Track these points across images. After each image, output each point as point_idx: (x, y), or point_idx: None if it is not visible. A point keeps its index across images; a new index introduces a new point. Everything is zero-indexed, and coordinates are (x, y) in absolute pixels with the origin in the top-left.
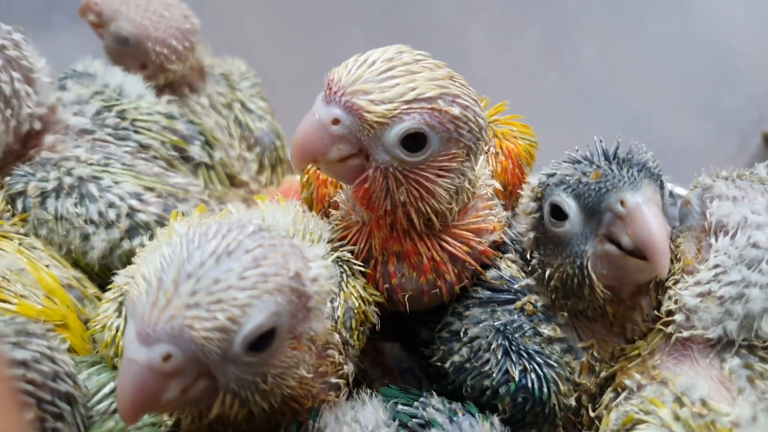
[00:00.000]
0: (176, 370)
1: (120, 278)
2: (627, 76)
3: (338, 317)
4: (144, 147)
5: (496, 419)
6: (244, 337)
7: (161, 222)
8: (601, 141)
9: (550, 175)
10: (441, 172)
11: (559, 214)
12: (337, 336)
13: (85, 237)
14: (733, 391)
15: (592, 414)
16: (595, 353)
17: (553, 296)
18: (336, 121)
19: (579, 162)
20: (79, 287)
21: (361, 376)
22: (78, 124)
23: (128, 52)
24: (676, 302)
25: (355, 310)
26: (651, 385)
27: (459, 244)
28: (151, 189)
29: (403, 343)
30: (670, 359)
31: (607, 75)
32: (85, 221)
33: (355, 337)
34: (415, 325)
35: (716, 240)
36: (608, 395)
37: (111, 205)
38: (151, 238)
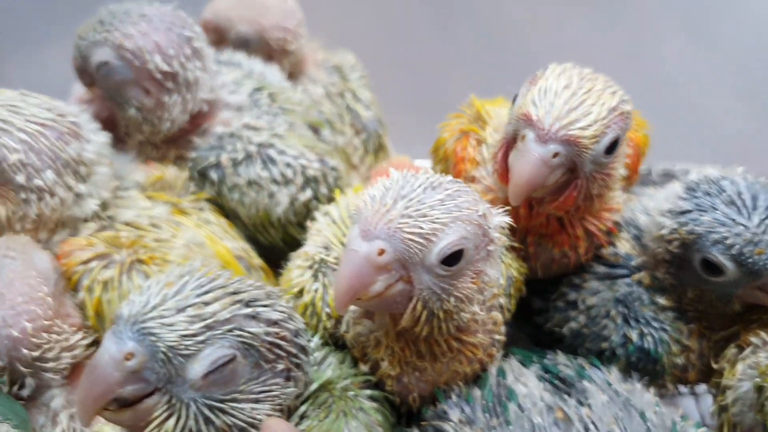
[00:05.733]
0: (386, 264)
1: (310, 248)
2: (699, 77)
3: (502, 285)
4: (290, 125)
5: (615, 368)
6: (441, 248)
7: (323, 174)
8: (743, 181)
9: (698, 224)
10: (620, 158)
11: (714, 269)
12: (502, 299)
13: (271, 195)
14: None
15: (715, 366)
16: (704, 322)
17: (683, 300)
18: (556, 155)
19: (730, 218)
20: (247, 258)
21: None
22: (237, 101)
23: (252, 51)
24: None
25: (514, 279)
26: None
27: (596, 222)
28: (311, 147)
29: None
30: None
31: (682, 74)
32: (271, 182)
33: (512, 303)
34: (529, 297)
35: None
36: (731, 350)
37: (288, 165)
38: (315, 190)
